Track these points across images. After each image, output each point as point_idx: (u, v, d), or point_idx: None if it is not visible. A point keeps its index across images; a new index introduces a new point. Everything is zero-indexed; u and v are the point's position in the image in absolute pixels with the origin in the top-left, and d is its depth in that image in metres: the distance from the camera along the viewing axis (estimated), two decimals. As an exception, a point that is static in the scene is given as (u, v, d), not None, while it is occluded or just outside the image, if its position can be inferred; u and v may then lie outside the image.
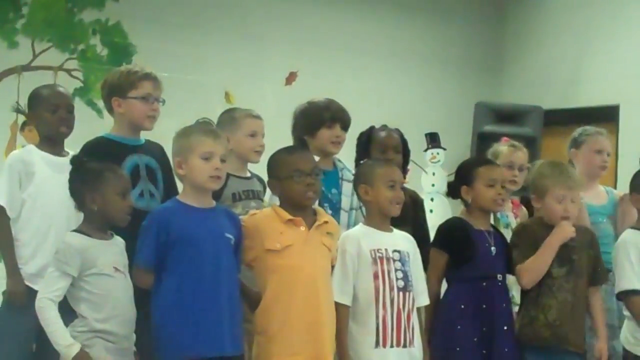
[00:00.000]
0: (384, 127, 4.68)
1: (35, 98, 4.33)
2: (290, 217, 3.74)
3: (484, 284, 4.08)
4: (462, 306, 4.05)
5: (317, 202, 4.17)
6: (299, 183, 3.75)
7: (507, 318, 4.11)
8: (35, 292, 3.95)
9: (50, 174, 4.14)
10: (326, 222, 3.83)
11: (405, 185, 4.48)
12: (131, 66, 4.25)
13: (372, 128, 4.66)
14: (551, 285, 4.18)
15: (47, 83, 4.54)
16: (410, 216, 4.40)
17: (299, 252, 3.71)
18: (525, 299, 4.24)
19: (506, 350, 4.05)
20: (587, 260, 4.29)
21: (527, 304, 4.21)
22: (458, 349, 4.01)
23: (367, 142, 4.59)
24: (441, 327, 4.08)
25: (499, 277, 4.13)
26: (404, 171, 4.56)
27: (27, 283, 4.07)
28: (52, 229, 4.10)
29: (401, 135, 4.67)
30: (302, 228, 3.75)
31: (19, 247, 4.10)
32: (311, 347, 3.68)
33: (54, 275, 3.57)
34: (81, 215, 3.97)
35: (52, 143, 4.25)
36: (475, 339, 4.02)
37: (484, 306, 4.05)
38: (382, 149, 4.55)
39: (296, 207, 3.78)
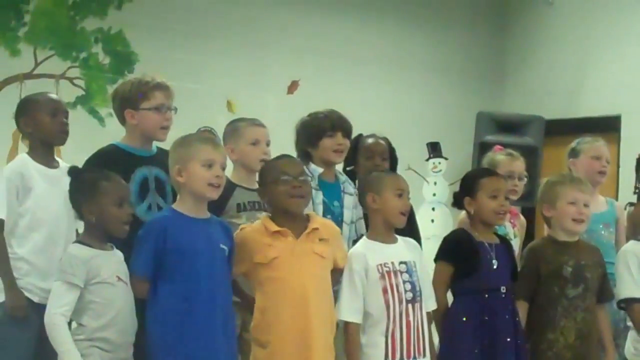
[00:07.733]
0: (372, 135, 4.74)
1: (30, 103, 4.20)
2: (277, 228, 3.72)
3: (486, 296, 4.05)
4: (464, 319, 4.03)
5: (321, 213, 4.18)
6: (285, 186, 3.73)
7: (510, 330, 4.06)
8: (35, 304, 3.95)
9: (47, 187, 4.06)
10: (316, 229, 3.78)
11: None
12: (142, 76, 4.18)
13: (359, 135, 4.70)
14: (567, 307, 4.18)
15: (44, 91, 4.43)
16: (406, 229, 4.40)
17: (286, 263, 3.70)
18: (540, 322, 4.19)
19: None
20: (597, 278, 4.30)
21: (542, 327, 4.18)
22: None
23: (354, 149, 4.61)
24: (444, 339, 4.06)
25: (503, 289, 4.09)
26: None
27: (26, 294, 3.98)
28: (50, 243, 4.03)
29: (389, 144, 4.75)
30: (290, 238, 3.73)
31: (17, 261, 4.00)
32: (302, 356, 3.66)
33: (62, 289, 3.53)
34: (78, 229, 3.97)
35: (46, 151, 4.14)
36: (476, 351, 3.99)
37: (486, 318, 4.02)
38: (368, 155, 4.63)
39: (285, 213, 3.75)
